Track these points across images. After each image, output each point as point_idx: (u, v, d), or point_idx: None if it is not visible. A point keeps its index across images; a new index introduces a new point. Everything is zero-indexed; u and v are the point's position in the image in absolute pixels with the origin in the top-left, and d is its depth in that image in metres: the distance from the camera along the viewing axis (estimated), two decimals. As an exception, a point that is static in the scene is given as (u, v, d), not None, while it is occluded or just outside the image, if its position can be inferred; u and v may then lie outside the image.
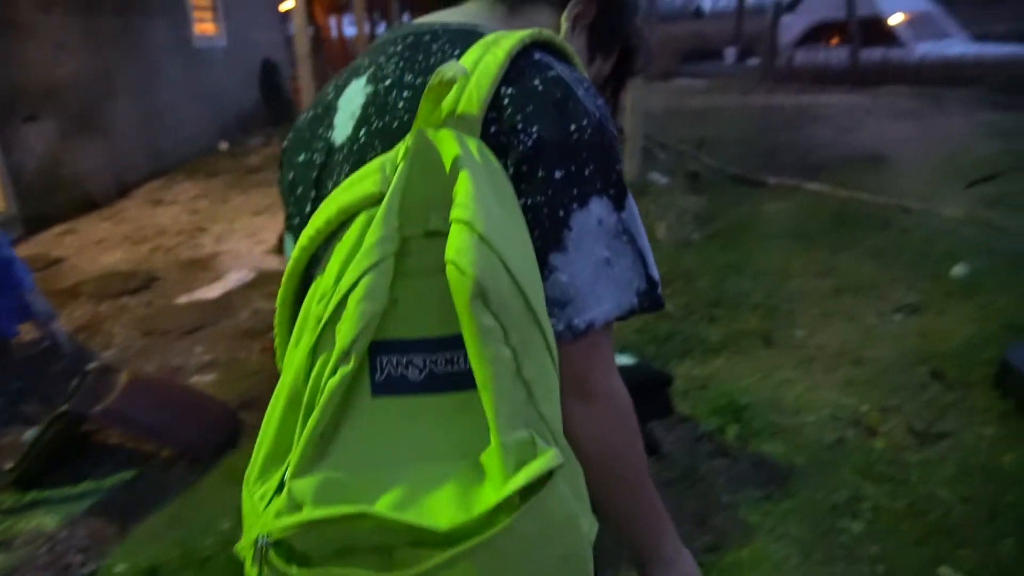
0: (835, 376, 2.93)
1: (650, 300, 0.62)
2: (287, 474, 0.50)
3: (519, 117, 0.58)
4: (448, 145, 0.53)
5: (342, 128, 0.66)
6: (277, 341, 0.61)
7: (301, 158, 0.71)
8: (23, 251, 5.26)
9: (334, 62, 24.54)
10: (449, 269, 0.48)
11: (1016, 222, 4.43)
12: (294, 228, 0.71)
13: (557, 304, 0.59)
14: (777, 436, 2.53)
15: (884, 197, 5.24)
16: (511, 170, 0.58)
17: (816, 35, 16.70)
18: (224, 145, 9.16)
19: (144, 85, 7.57)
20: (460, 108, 0.56)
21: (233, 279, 4.50)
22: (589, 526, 0.57)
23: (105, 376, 2.76)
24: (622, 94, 0.86)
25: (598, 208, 0.60)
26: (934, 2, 17.31)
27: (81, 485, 2.53)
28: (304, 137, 0.71)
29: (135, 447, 2.71)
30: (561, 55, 0.66)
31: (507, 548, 0.48)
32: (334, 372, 0.49)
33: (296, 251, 0.58)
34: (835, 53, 14.40)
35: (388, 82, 0.65)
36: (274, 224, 5.52)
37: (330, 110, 0.69)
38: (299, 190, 0.70)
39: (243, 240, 5.36)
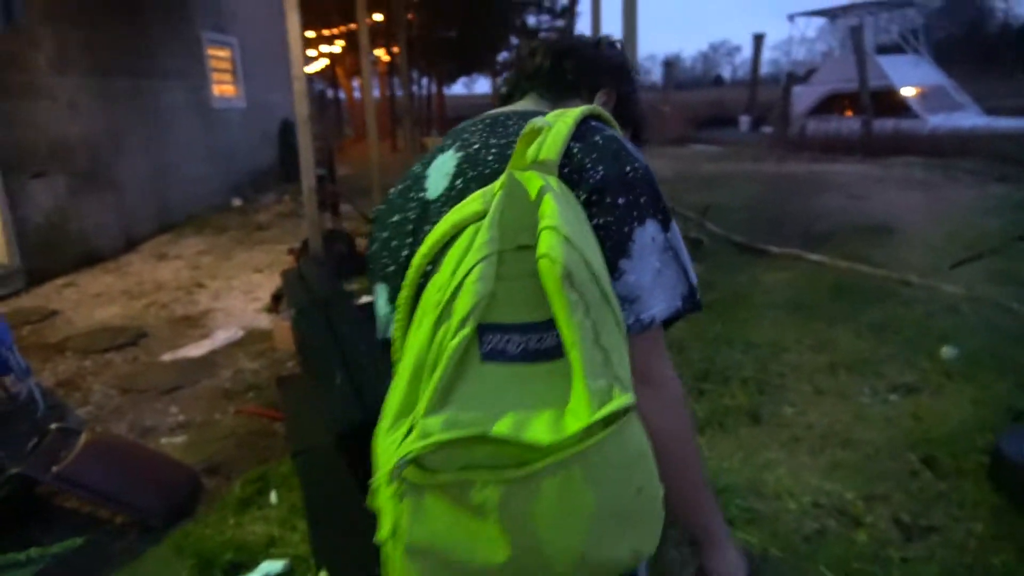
0: (821, 459, 2.79)
1: (691, 303, 0.80)
2: (416, 416, 0.61)
3: (587, 162, 0.77)
4: (533, 181, 0.69)
5: (436, 186, 0.85)
6: (398, 334, 0.75)
7: (395, 219, 0.89)
8: (22, 303, 5.31)
9: (355, 120, 25.31)
10: (542, 261, 0.63)
11: (1019, 299, 4.30)
12: (388, 276, 0.87)
13: (627, 301, 0.76)
14: (754, 523, 2.39)
15: (885, 270, 5.14)
16: (583, 198, 0.76)
17: (829, 105, 16.92)
18: (237, 202, 9.32)
19: (158, 144, 7.77)
20: (541, 155, 0.74)
21: (221, 337, 4.47)
22: (659, 481, 0.68)
23: (66, 436, 2.70)
24: None
25: (652, 228, 0.78)
26: (947, 76, 17.52)
27: (28, 551, 2.44)
28: (397, 203, 0.90)
29: (90, 512, 2.63)
30: (608, 123, 0.87)
31: (596, 465, 0.60)
32: (454, 336, 0.62)
33: (417, 259, 0.73)
34: (847, 123, 14.51)
35: (477, 146, 0.85)
36: (271, 282, 5.53)
37: (420, 179, 0.89)
38: (394, 243, 0.87)
39: (239, 297, 5.36)
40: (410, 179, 0.91)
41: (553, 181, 0.72)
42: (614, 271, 0.76)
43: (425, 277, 0.73)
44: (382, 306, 0.89)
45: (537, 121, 0.72)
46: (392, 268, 0.87)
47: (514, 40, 22.75)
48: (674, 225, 0.82)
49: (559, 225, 0.65)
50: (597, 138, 0.81)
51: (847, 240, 6.38)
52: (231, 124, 9.69)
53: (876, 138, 13.26)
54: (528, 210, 0.67)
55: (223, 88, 9.54)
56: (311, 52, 17.90)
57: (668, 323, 0.80)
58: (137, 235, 7.24)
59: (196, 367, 4.02)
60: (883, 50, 19.10)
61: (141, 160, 7.42)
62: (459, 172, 0.84)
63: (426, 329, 0.66)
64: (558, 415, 0.61)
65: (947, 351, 3.63)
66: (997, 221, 6.90)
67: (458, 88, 43.02)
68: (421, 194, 0.87)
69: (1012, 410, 3.04)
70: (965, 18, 50.17)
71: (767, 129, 17.25)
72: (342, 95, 27.33)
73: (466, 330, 0.63)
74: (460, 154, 0.86)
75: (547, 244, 0.64)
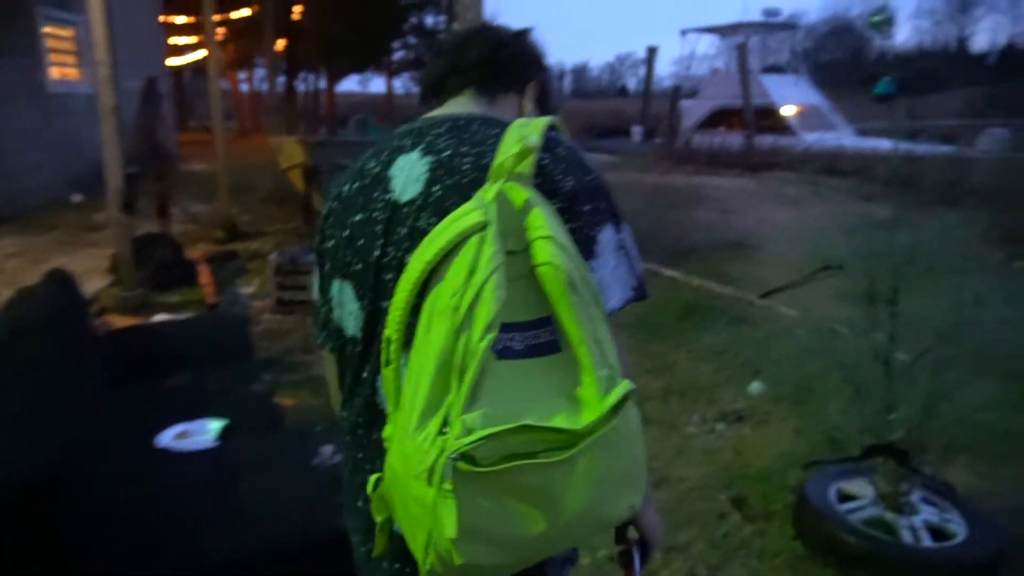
0: (631, 501, 2.56)
1: (640, 292, 0.90)
2: (453, 414, 0.67)
3: (557, 173, 0.85)
4: (517, 193, 0.77)
5: (406, 189, 0.88)
6: (395, 335, 0.77)
7: (358, 218, 0.91)
8: None
9: (240, 114, 24.03)
10: (545, 268, 0.72)
11: (856, 321, 4.29)
12: (355, 274, 0.90)
13: None
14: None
15: (733, 288, 5.08)
16: (556, 207, 0.82)
17: (716, 120, 17.43)
18: (77, 197, 8.43)
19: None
20: (518, 169, 0.79)
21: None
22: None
23: None
24: None
25: (609, 230, 0.87)
26: (824, 97, 18.42)
27: None
28: (356, 202, 0.92)
29: None
30: (561, 131, 0.93)
31: (612, 442, 0.71)
32: (482, 339, 0.68)
33: (420, 265, 0.76)
34: (731, 138, 14.93)
35: (448, 152, 0.89)
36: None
37: (383, 179, 0.91)
38: (360, 242, 0.90)
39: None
40: (368, 178, 0.92)
41: (532, 192, 0.78)
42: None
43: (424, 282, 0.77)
44: (348, 302, 0.91)
45: (530, 140, 0.79)
46: (360, 267, 0.89)
47: (411, 40, 22.29)
48: (625, 225, 0.90)
49: (554, 235, 0.73)
50: (560, 150, 0.88)
51: (709, 256, 6.36)
52: (74, 111, 8.77)
53: (756, 153, 13.67)
54: (514, 219, 0.75)
55: (64, 71, 8.63)
56: (185, 40, 16.78)
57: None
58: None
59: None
60: (769, 69, 19.88)
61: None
62: (434, 178, 0.87)
63: (443, 332, 0.70)
64: (571, 405, 0.71)
65: (755, 387, 3.46)
66: (855, 240, 7.08)
67: (351, 85, 41.25)
68: (387, 195, 0.89)
69: (835, 440, 2.92)
70: (848, 44, 53.65)
71: (658, 141, 17.58)
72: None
73: (492, 334, 0.69)
74: (430, 159, 0.88)
75: (548, 253, 0.72)
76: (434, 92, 1.02)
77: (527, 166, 0.79)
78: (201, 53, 20.06)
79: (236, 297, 5.14)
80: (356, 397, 0.91)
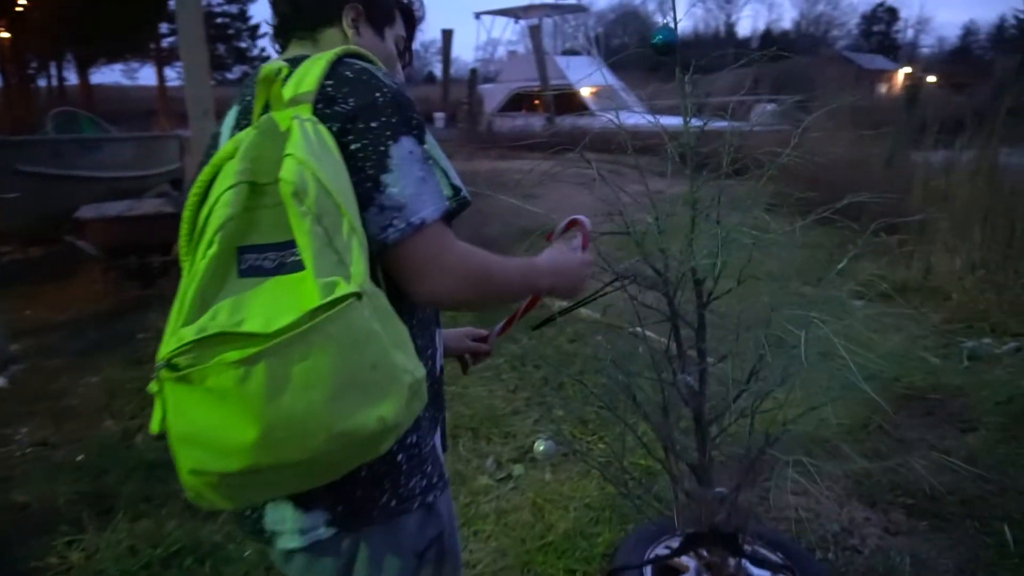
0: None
1: (458, 200, 0.89)
2: (172, 327, 0.72)
3: (338, 96, 0.86)
4: (283, 118, 0.81)
5: (225, 134, 0.97)
6: (183, 247, 0.81)
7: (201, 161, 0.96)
8: None
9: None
10: (280, 184, 0.75)
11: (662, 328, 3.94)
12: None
13: (395, 209, 0.84)
14: None
15: (522, 258, 4.59)
16: (336, 128, 0.84)
17: (517, 103, 17.31)
18: None
19: None
20: (299, 90, 0.85)
21: None
22: (409, 364, 0.79)
23: None
24: (411, 50, 1.19)
25: (407, 143, 0.86)
26: (617, 78, 18.95)
27: None
28: (202, 165, 0.91)
29: None
30: (365, 59, 0.93)
31: (320, 345, 0.70)
32: (203, 256, 0.74)
33: (190, 198, 0.81)
34: (532, 120, 14.81)
35: (250, 97, 0.93)
36: None
37: (216, 136, 0.99)
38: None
39: None
40: (211, 139, 1.00)
41: (305, 111, 0.82)
42: (378, 186, 0.84)
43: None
44: None
45: (271, 64, 0.83)
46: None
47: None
48: (430, 138, 0.90)
49: (295, 150, 0.76)
50: (348, 72, 0.88)
51: (510, 246, 5.86)
52: None
53: (557, 135, 13.59)
54: (278, 145, 0.78)
55: None
56: None
57: (450, 219, 0.89)
58: None
59: None
60: (567, 53, 20.16)
61: None
62: (237, 124, 0.95)
63: (197, 255, 0.76)
64: (294, 310, 0.71)
65: (541, 447, 2.57)
66: (653, 215, 6.94)
67: (116, 77, 35.89)
68: (213, 151, 0.92)
69: (648, 473, 2.43)
70: (635, 30, 57.09)
71: (460, 126, 17.14)
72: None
73: (213, 249, 0.74)
74: (238, 107, 0.97)
75: (284, 169, 0.75)
76: (280, 46, 1.05)
77: (305, 90, 0.84)
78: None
79: None
80: None
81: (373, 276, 0.83)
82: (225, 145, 0.82)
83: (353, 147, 0.84)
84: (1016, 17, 45.00)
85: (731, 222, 1.80)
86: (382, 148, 0.84)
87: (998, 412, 3.04)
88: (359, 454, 0.76)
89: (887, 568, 2.03)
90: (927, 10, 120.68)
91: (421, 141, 0.87)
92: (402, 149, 0.85)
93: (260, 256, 0.77)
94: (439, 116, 19.29)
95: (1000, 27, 49.63)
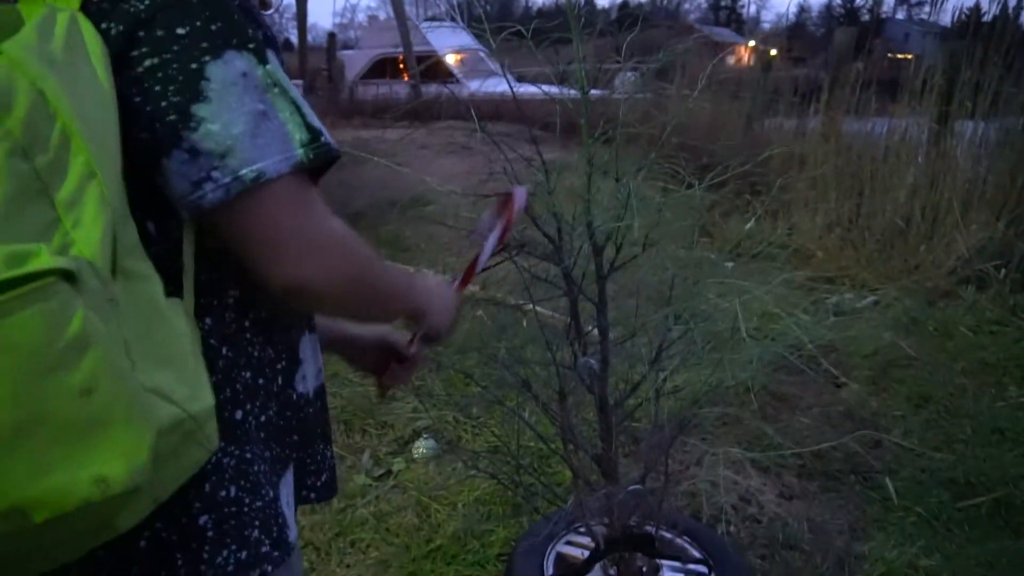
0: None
1: (317, 149, 0.62)
2: None
3: None
4: (35, 9, 0.57)
5: None
6: None
7: None
8: None
9: None
10: None
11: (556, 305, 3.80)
12: None
13: (215, 155, 0.58)
14: None
15: (414, 256, 4.33)
16: (117, 32, 0.58)
17: (380, 70, 16.62)
18: None
19: None
20: None
21: None
22: (178, 390, 0.53)
23: None
24: None
25: (238, 62, 0.60)
26: (481, 46, 18.69)
27: None
28: None
29: None
30: None
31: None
32: None
33: None
34: (397, 88, 14.30)
35: None
36: None
37: None
38: None
39: None
40: None
41: (64, 2, 0.58)
42: (188, 119, 0.58)
43: None
44: None
45: None
46: None
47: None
48: (273, 57, 0.63)
49: (12, 47, 0.52)
50: None
51: (382, 216, 5.56)
52: None
53: (423, 103, 13.20)
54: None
55: None
56: None
57: (317, 176, 0.65)
58: None
59: None
60: (431, 19, 19.58)
61: None
62: None
63: None
64: None
65: (422, 446, 2.40)
66: (531, 184, 6.82)
67: None
68: None
69: (540, 457, 2.26)
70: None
71: (320, 94, 16.28)
72: None
73: None
74: None
75: None
76: None
77: None
78: None
79: None
80: None
81: (167, 250, 0.61)
82: None
83: (147, 63, 0.58)
84: (842, -5, 49.06)
85: (610, 188, 1.67)
86: (194, 67, 0.58)
87: (865, 365, 3.14)
88: (76, 537, 0.50)
89: (786, 536, 1.98)
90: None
91: (262, 60, 0.61)
92: (228, 69, 0.59)
93: None
94: (297, 83, 18.26)
95: (828, 6, 54.05)
